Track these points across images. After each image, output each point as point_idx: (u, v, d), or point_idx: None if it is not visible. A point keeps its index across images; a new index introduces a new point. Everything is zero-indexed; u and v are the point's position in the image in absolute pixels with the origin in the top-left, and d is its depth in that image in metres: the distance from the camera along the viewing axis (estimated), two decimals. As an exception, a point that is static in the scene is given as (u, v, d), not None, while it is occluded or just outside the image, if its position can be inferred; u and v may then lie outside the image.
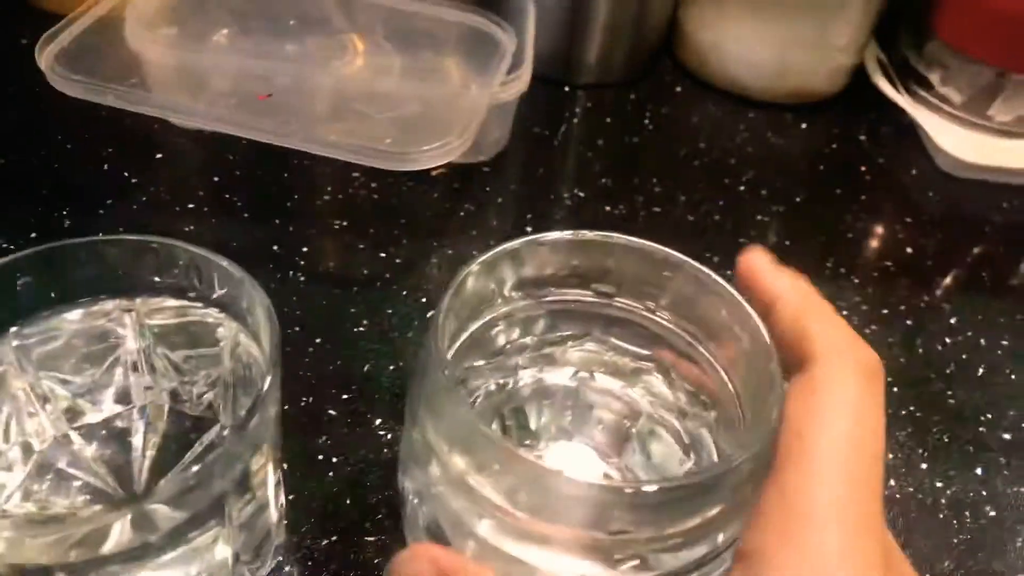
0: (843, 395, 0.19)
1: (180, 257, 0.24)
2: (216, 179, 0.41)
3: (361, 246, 0.39)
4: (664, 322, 0.25)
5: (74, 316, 0.25)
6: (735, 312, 0.22)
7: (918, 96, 0.51)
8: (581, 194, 0.43)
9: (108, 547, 0.21)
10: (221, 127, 0.37)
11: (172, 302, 0.25)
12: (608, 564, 0.20)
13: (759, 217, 0.43)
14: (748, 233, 0.42)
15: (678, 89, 0.52)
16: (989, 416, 0.34)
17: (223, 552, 0.23)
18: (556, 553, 0.20)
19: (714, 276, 0.23)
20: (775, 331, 0.21)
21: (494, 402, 0.26)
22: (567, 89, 0.51)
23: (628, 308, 0.26)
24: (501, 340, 0.26)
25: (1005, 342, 0.38)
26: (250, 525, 0.24)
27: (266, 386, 0.22)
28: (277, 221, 0.39)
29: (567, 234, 0.25)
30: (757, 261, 0.23)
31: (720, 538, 0.20)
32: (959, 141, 0.48)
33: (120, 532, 0.20)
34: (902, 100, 0.50)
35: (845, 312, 0.38)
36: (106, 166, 0.41)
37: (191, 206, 0.39)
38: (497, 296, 0.25)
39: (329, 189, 0.41)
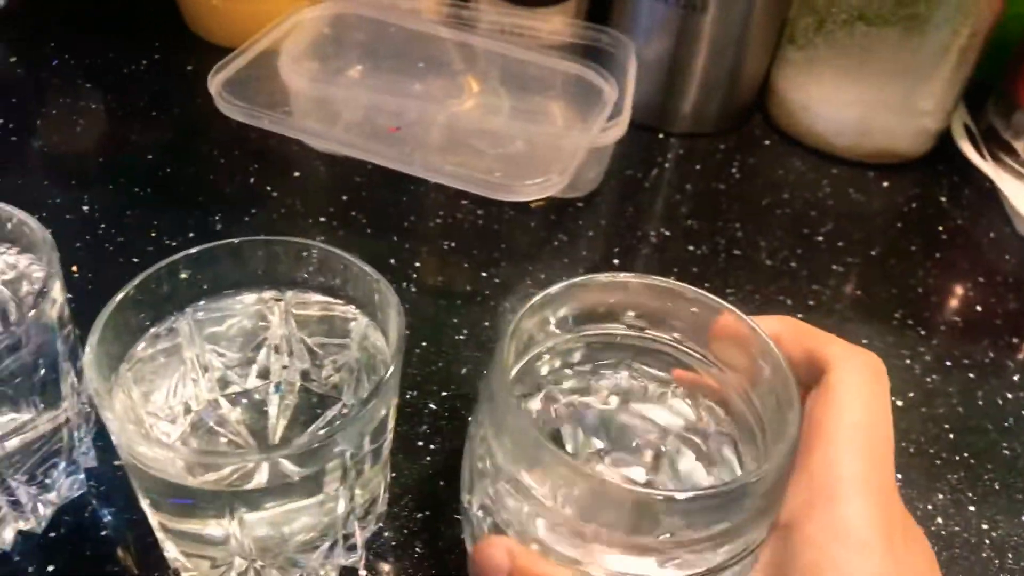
0: (854, 390, 0.23)
1: (330, 259, 0.29)
2: (344, 198, 0.46)
3: (465, 265, 0.43)
4: (690, 351, 0.28)
5: (238, 302, 0.30)
6: (756, 343, 0.26)
7: (1002, 162, 0.53)
8: (667, 233, 0.47)
9: (251, 485, 0.25)
10: (354, 153, 0.42)
11: (316, 297, 0.30)
12: (653, 563, 0.23)
13: (834, 267, 0.46)
14: (822, 281, 0.45)
15: (766, 143, 0.55)
16: (1042, 469, 0.36)
17: (342, 507, 0.28)
18: (606, 554, 0.23)
19: (735, 310, 0.26)
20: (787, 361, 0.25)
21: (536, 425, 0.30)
22: (661, 136, 0.55)
23: (657, 339, 0.29)
24: (544, 370, 0.30)
25: (1066, 402, 0.39)
26: (363, 489, 0.28)
27: (389, 373, 0.26)
28: (395, 238, 0.44)
29: (603, 276, 0.28)
30: (735, 319, 0.26)
31: (748, 539, 0.23)
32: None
33: (261, 475, 0.25)
34: (985, 165, 0.52)
35: (908, 360, 0.41)
36: (252, 180, 0.47)
37: (322, 219, 0.45)
38: (542, 332, 0.28)
39: (440, 213, 0.46)
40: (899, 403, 0.38)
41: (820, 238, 0.48)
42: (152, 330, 0.28)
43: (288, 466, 0.25)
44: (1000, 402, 0.39)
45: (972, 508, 0.35)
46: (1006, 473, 0.36)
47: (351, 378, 0.31)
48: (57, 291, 0.27)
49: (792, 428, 0.23)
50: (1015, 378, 0.40)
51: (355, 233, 0.44)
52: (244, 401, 0.32)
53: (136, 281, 0.27)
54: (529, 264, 0.44)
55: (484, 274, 0.43)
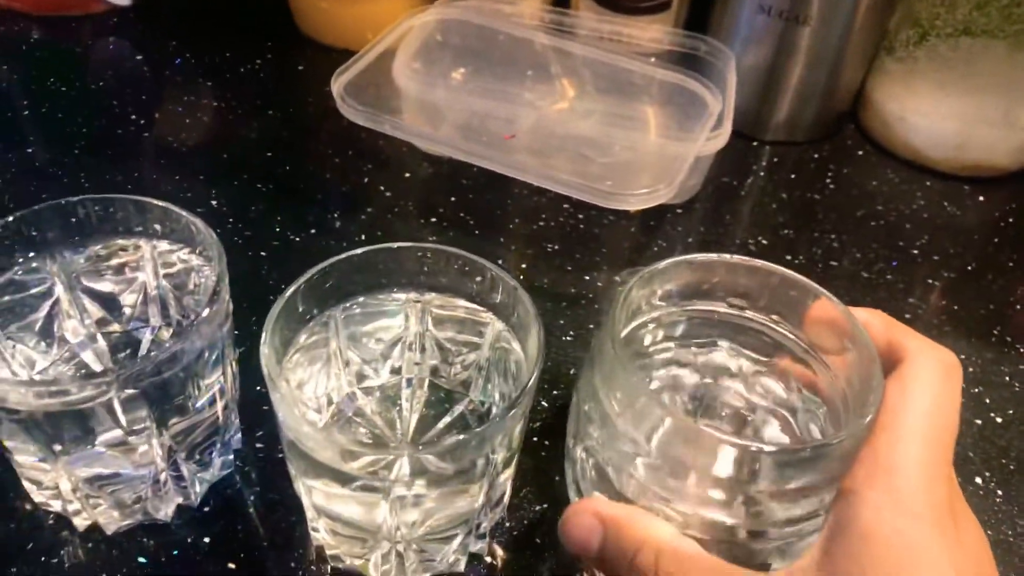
0: (926, 382, 0.25)
1: (473, 266, 0.31)
2: (452, 199, 0.49)
3: (569, 268, 0.45)
4: (786, 333, 0.30)
5: (382, 301, 0.33)
6: (848, 328, 0.27)
7: (1102, 180, 0.53)
8: (764, 241, 0.48)
9: (393, 473, 0.28)
10: (470, 159, 0.44)
11: (455, 300, 0.32)
12: (741, 510, 0.25)
13: (929, 280, 0.47)
14: (919, 294, 0.45)
15: (859, 153, 0.56)
16: None
17: (481, 499, 0.30)
18: (696, 495, 0.26)
19: (832, 296, 0.28)
20: None
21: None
22: (755, 144, 0.56)
23: (756, 320, 0.31)
24: (647, 340, 0.32)
25: None
26: (495, 483, 0.31)
27: (532, 380, 0.28)
28: (501, 239, 0.46)
29: (713, 256, 0.30)
30: (829, 306, 0.28)
31: (823, 497, 0.25)
32: None
33: (402, 466, 0.27)
34: (1085, 182, 0.52)
35: (1007, 378, 0.41)
36: (365, 179, 0.50)
37: (433, 220, 0.47)
38: (648, 304, 0.30)
39: (543, 217, 0.48)
40: (999, 419, 0.39)
41: (915, 251, 0.48)
42: (310, 323, 0.31)
43: (435, 462, 0.27)
44: (1099, 421, 0.40)
45: (1070, 524, 0.35)
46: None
47: (479, 376, 0.33)
48: (225, 289, 0.30)
49: (871, 407, 0.25)
50: (1115, 398, 0.41)
51: (464, 234, 0.47)
52: (377, 394, 0.34)
53: (306, 277, 0.29)
54: (630, 268, 0.45)
55: (587, 277, 0.45)
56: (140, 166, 0.49)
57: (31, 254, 0.32)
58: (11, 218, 0.30)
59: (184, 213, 0.32)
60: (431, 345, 0.34)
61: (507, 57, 0.53)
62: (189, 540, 0.32)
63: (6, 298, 0.32)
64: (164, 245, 0.33)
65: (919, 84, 0.53)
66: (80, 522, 0.32)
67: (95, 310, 0.34)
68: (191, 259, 0.33)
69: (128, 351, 0.34)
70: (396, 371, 0.34)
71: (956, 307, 0.45)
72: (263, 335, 0.28)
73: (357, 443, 0.30)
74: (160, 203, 0.32)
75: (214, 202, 0.47)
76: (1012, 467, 0.37)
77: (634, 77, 0.52)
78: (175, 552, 0.32)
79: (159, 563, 0.31)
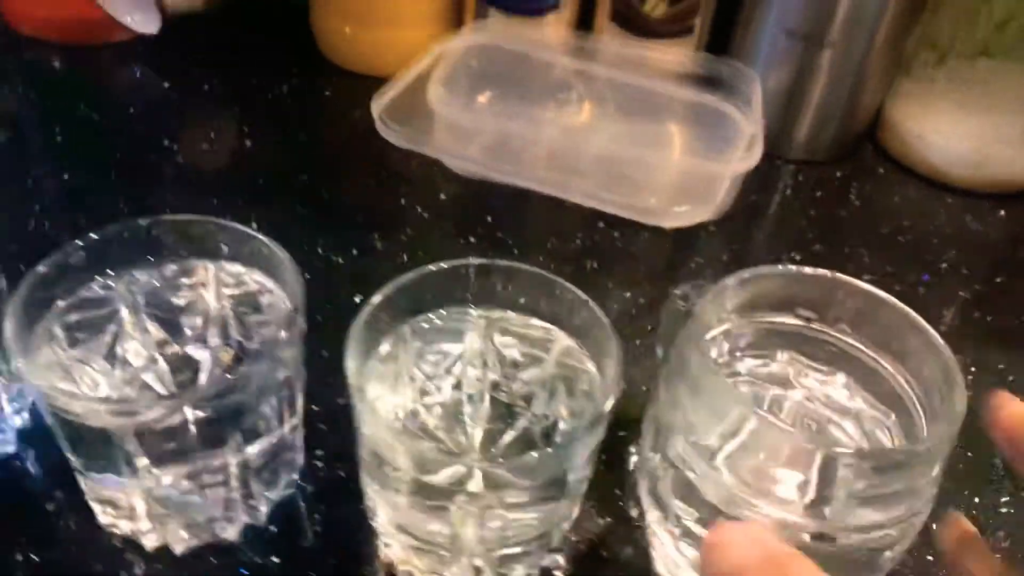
0: None
1: (539, 281, 0.31)
2: (489, 219, 0.49)
3: (610, 285, 0.46)
4: (853, 342, 0.31)
5: (446, 318, 0.33)
6: (921, 335, 0.28)
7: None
8: (797, 257, 0.49)
9: (471, 487, 0.28)
10: (515, 180, 0.45)
11: (521, 316, 0.33)
12: (817, 513, 0.26)
13: (961, 293, 0.47)
14: (952, 306, 0.46)
15: (880, 171, 0.57)
16: None
17: (552, 515, 0.30)
18: (782, 500, 0.26)
19: (900, 303, 0.29)
20: None
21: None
22: (778, 162, 0.57)
23: (822, 331, 0.31)
24: (714, 352, 0.32)
25: None
26: (570, 500, 0.31)
27: (610, 401, 0.28)
28: (540, 259, 0.47)
29: (779, 268, 0.31)
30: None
31: (911, 506, 0.25)
32: None
33: (477, 479, 0.28)
34: (1100, 197, 0.54)
35: (1047, 385, 0.42)
36: (402, 200, 0.50)
37: (472, 240, 0.48)
38: (717, 317, 0.31)
39: (579, 235, 0.49)
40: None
41: (944, 264, 0.49)
42: (385, 339, 0.31)
43: (510, 477, 0.27)
44: None
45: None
46: None
47: (543, 391, 0.34)
48: (302, 311, 0.30)
49: (956, 414, 0.25)
50: None
51: (505, 254, 0.47)
52: (439, 410, 0.34)
53: (385, 291, 0.30)
54: (669, 285, 0.46)
55: (628, 294, 0.45)
56: (177, 190, 0.49)
57: (101, 274, 0.32)
58: (85, 239, 0.31)
59: (258, 235, 0.32)
60: (493, 360, 0.34)
61: (536, 80, 0.54)
62: (258, 560, 0.32)
63: (75, 318, 0.32)
64: (235, 267, 0.33)
65: (937, 104, 0.55)
66: (149, 543, 0.32)
67: (156, 331, 0.34)
68: (264, 281, 0.33)
69: (189, 373, 0.34)
70: (457, 387, 0.34)
71: (990, 319, 0.46)
72: (347, 347, 0.28)
73: (440, 452, 0.30)
74: (234, 225, 0.32)
75: (254, 224, 0.47)
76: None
77: (660, 99, 0.53)
78: (244, 571, 0.32)
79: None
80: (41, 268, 0.30)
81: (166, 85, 0.58)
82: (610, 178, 0.48)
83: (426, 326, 0.33)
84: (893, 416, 0.30)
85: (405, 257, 0.46)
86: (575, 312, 0.31)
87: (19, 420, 0.35)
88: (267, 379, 0.29)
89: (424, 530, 0.29)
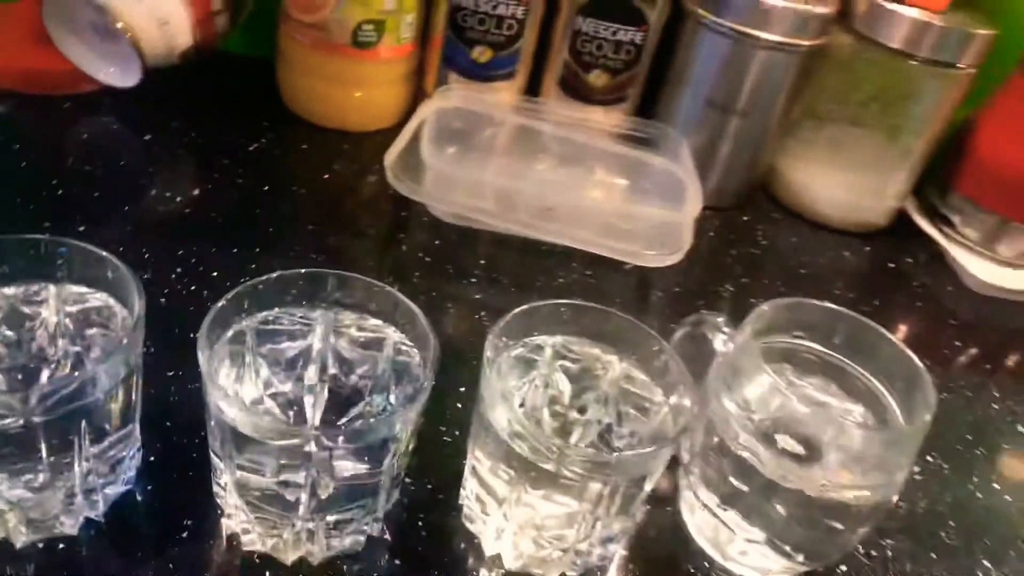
0: None
1: (374, 288, 0.37)
2: (482, 262, 0.56)
3: (594, 316, 0.54)
4: (839, 356, 0.41)
5: (291, 318, 0.38)
6: (892, 346, 0.38)
7: (944, 232, 0.70)
8: (731, 288, 0.60)
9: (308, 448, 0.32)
10: (520, 230, 0.52)
11: (358, 318, 0.38)
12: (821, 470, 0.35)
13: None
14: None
15: (775, 216, 0.70)
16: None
17: (378, 482, 0.35)
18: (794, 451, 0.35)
19: (879, 327, 0.39)
20: None
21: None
22: (697, 210, 0.68)
23: (813, 350, 0.41)
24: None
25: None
26: (393, 468, 0.35)
27: (425, 384, 0.33)
28: (535, 296, 0.54)
29: (785, 300, 0.40)
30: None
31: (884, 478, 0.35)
32: (978, 267, 0.67)
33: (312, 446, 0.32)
34: (936, 234, 0.69)
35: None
36: (404, 248, 0.56)
37: (473, 280, 0.54)
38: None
39: (561, 275, 0.57)
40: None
41: (837, 292, 0.62)
42: (230, 335, 0.36)
43: (343, 443, 0.32)
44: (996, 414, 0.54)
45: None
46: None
47: (377, 383, 0.38)
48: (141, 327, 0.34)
49: (924, 409, 0.35)
50: (971, 394, 0.56)
51: (501, 291, 0.54)
52: (282, 400, 0.38)
53: (231, 294, 0.35)
54: (638, 316, 0.55)
55: (609, 324, 0.54)
56: (175, 242, 0.52)
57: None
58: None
59: (103, 255, 0.35)
60: (333, 357, 0.38)
61: (520, 141, 0.62)
62: (102, 545, 0.35)
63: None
64: (78, 288, 0.36)
65: (818, 162, 0.68)
66: None
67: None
68: (107, 298, 0.36)
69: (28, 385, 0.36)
70: (299, 380, 0.38)
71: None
72: (199, 341, 0.32)
73: (281, 422, 0.36)
74: (78, 244, 0.35)
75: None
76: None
77: (605, 154, 0.63)
78: (89, 556, 0.35)
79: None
80: None
81: (147, 138, 0.60)
82: (581, 225, 0.56)
83: (270, 326, 0.37)
84: (861, 407, 0.40)
85: (422, 297, 0.52)
86: (403, 313, 0.37)
87: None
88: (101, 382, 0.32)
89: (265, 494, 0.33)
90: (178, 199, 0.55)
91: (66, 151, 0.57)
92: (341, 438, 0.32)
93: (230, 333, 0.36)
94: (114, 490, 0.37)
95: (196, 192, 0.57)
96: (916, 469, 0.47)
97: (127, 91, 0.61)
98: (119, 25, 0.56)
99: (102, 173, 0.56)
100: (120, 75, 0.60)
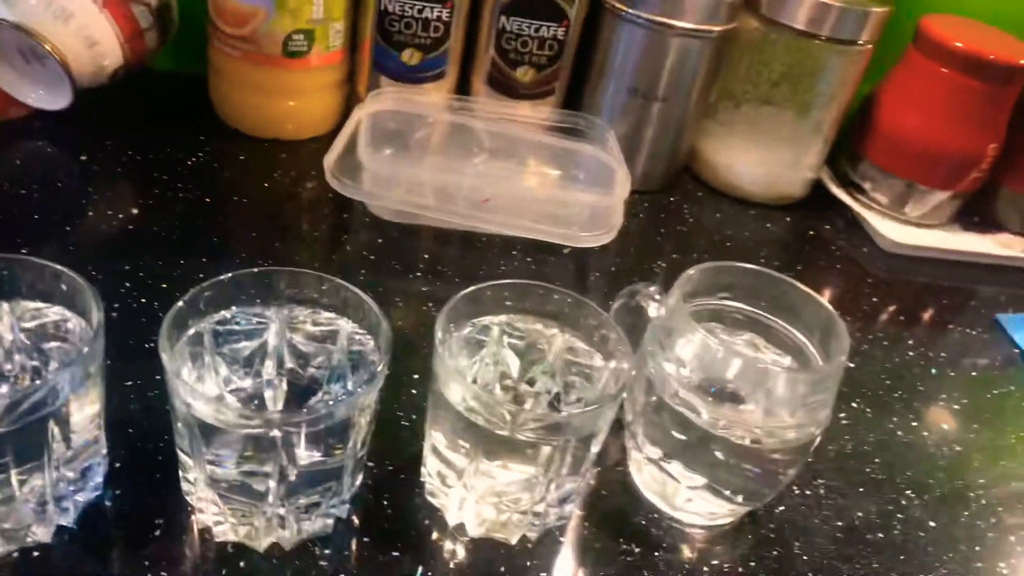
0: None
1: (325, 282, 0.39)
2: (426, 256, 0.58)
3: (536, 300, 0.57)
4: (764, 313, 0.44)
5: (246, 316, 0.39)
6: (810, 303, 0.42)
7: (856, 198, 0.75)
8: (664, 264, 0.63)
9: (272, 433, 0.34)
10: (460, 222, 0.54)
11: (316, 312, 0.40)
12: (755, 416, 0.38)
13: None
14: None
15: (699, 194, 0.74)
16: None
17: (342, 464, 0.37)
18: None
19: (796, 283, 0.43)
20: None
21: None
22: (627, 193, 0.71)
23: (739, 309, 0.45)
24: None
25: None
26: (356, 450, 0.37)
27: (381, 367, 0.35)
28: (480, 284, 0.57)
29: (711, 264, 0.43)
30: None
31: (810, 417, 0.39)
32: (888, 229, 0.72)
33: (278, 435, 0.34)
34: (850, 201, 0.74)
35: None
36: (348, 248, 0.58)
37: (418, 274, 0.56)
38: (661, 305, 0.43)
39: (502, 264, 0.59)
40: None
41: (762, 260, 0.66)
42: (189, 336, 0.37)
43: (306, 429, 0.34)
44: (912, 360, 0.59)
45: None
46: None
47: (333, 375, 0.40)
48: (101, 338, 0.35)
49: (839, 351, 0.39)
50: (886, 345, 0.60)
51: (446, 284, 0.56)
52: (242, 395, 0.39)
53: (187, 296, 0.37)
54: (584, 293, 0.58)
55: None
56: (137, 256, 0.53)
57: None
58: None
59: (57, 269, 0.36)
60: (289, 352, 0.40)
61: (453, 137, 0.64)
62: (77, 550, 0.36)
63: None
64: (33, 303, 0.37)
65: (737, 141, 0.72)
66: None
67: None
68: (64, 312, 0.37)
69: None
70: (258, 375, 0.40)
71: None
72: (160, 342, 0.34)
73: (246, 410, 0.37)
74: (32, 260, 0.36)
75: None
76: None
77: (536, 145, 0.65)
78: (65, 561, 0.36)
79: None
80: None
81: (83, 158, 0.61)
82: (527, 214, 0.59)
83: (227, 327, 0.38)
84: (789, 358, 0.44)
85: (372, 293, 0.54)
86: (355, 304, 0.39)
87: None
88: (64, 391, 0.33)
89: (235, 485, 0.35)
90: (120, 216, 0.56)
91: (0, 177, 0.57)
92: (304, 422, 0.34)
93: (189, 334, 0.38)
94: (84, 496, 0.38)
95: (137, 208, 0.58)
96: (842, 415, 0.51)
97: (58, 113, 0.61)
98: (47, 47, 0.57)
99: (40, 196, 0.56)
100: (49, 98, 0.60)
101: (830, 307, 0.41)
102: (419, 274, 0.57)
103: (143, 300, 0.49)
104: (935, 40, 0.68)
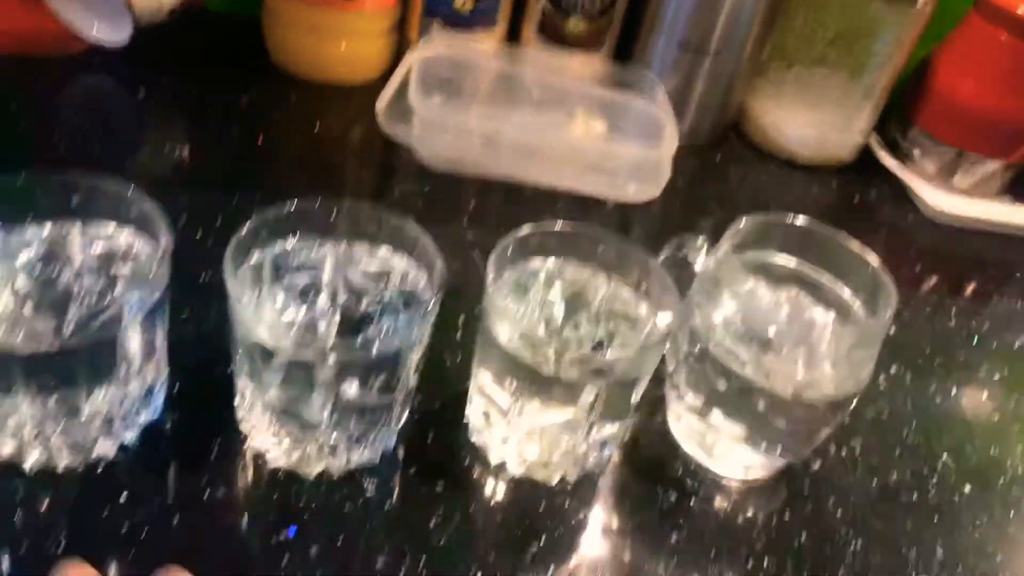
0: None
1: (383, 218, 0.40)
2: (472, 205, 0.59)
3: (580, 251, 0.57)
4: (812, 268, 0.44)
5: (305, 248, 0.41)
6: (857, 260, 0.42)
7: (905, 165, 0.74)
8: (706, 224, 0.63)
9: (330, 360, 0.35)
10: (508, 173, 0.55)
11: (369, 247, 0.41)
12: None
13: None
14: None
15: (746, 154, 0.73)
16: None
17: (393, 395, 0.38)
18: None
19: (844, 239, 0.43)
20: None
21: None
22: (673, 150, 0.71)
23: (785, 264, 0.44)
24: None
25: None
26: (406, 381, 0.39)
27: (432, 302, 0.36)
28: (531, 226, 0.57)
29: (760, 217, 0.43)
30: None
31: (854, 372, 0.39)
32: (935, 198, 0.71)
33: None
34: (897, 169, 0.73)
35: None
36: (396, 193, 0.58)
37: (465, 222, 0.57)
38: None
39: (547, 215, 0.60)
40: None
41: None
42: (249, 264, 0.38)
43: (360, 354, 0.36)
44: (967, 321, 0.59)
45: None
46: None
47: (385, 311, 0.40)
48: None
49: (886, 308, 0.39)
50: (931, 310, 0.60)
51: (490, 233, 0.56)
52: (296, 327, 0.39)
53: (248, 225, 0.38)
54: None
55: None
56: (195, 191, 0.54)
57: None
58: None
59: (131, 190, 0.38)
60: (343, 286, 0.40)
61: (492, 84, 0.64)
62: (138, 467, 0.38)
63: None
64: (101, 225, 0.38)
65: (787, 101, 0.72)
66: (30, 464, 0.37)
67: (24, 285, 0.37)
68: (134, 236, 0.39)
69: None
70: (312, 306, 0.39)
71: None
72: (225, 266, 0.35)
73: (306, 337, 0.37)
74: (105, 183, 0.37)
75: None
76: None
77: (585, 97, 0.65)
78: (126, 477, 0.38)
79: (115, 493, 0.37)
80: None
81: (141, 96, 0.62)
82: (584, 166, 0.59)
83: (287, 257, 0.39)
84: (834, 313, 0.44)
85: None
86: (408, 240, 0.40)
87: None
88: (132, 312, 0.35)
89: (287, 408, 0.36)
90: (175, 153, 0.57)
91: (61, 111, 0.59)
92: (358, 352, 0.35)
93: (251, 263, 0.39)
94: (146, 416, 0.40)
95: (192, 146, 0.59)
96: (881, 379, 0.52)
97: (116, 51, 0.62)
98: (109, -18, 0.57)
99: (97, 129, 0.58)
100: (110, 32, 0.61)
101: (877, 264, 0.41)
102: (466, 223, 0.57)
103: (198, 235, 0.50)
104: (999, 5, 0.66)
